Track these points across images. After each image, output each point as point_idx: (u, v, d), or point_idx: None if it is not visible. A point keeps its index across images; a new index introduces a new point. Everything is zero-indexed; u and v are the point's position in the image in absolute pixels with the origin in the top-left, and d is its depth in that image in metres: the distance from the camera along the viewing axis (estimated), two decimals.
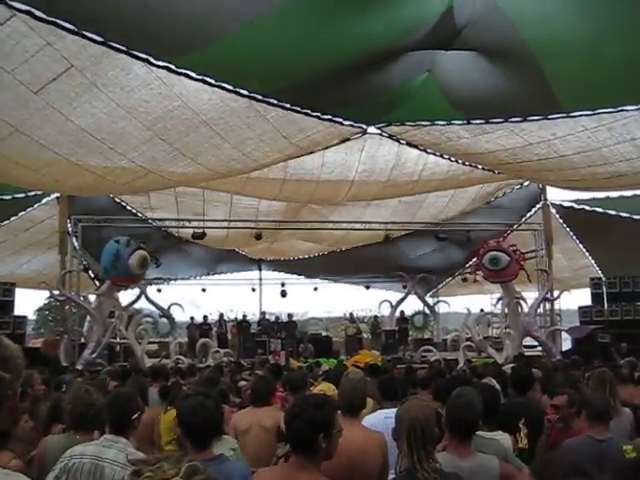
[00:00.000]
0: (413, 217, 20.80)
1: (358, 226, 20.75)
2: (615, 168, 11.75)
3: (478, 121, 11.01)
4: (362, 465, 3.90)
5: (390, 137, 13.44)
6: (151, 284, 20.85)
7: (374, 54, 9.08)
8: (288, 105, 10.23)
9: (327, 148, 13.55)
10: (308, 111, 10.70)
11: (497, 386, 6.07)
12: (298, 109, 10.48)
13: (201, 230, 18.93)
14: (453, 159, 14.54)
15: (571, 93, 9.51)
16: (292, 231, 22.09)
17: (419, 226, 21.55)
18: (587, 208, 19.84)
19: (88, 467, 3.57)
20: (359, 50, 8.88)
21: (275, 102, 10.01)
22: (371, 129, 12.95)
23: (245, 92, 9.52)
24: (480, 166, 14.98)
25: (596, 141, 10.79)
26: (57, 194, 17.65)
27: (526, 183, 20.17)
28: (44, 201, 17.94)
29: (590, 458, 4.10)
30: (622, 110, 9.66)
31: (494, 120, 10.77)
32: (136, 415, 3.87)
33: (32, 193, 17.16)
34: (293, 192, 16.51)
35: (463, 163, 14.87)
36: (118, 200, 19.69)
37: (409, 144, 13.71)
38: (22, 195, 16.99)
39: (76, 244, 17.95)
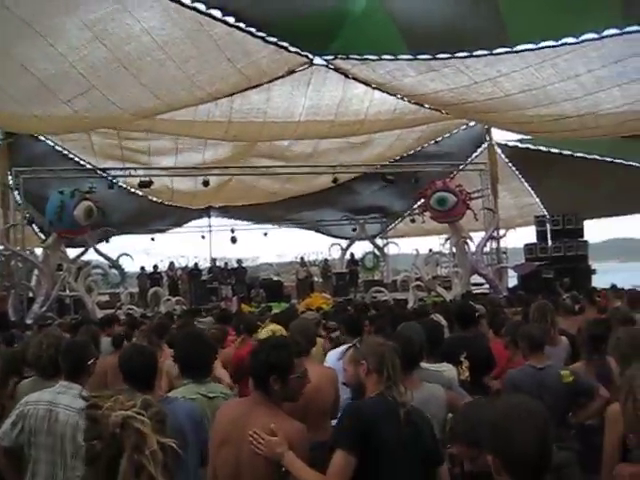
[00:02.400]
0: (360, 159, 20.84)
1: (307, 170, 20.73)
2: (560, 108, 11.91)
3: (425, 56, 10.92)
4: (315, 401, 4.03)
5: (336, 70, 13.32)
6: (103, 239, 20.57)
7: None
8: (232, 20, 9.97)
9: (273, 81, 13.33)
10: (253, 30, 10.45)
11: (443, 322, 6.26)
12: (242, 26, 10.21)
13: (147, 178, 18.63)
14: (400, 96, 14.52)
15: (519, 23, 9.51)
16: (240, 177, 21.87)
17: (366, 168, 21.60)
18: (531, 147, 20.17)
19: (43, 413, 3.64)
20: None
21: (219, 15, 9.77)
22: (317, 60, 12.81)
23: (187, 1, 9.28)
24: (427, 105, 15.03)
25: (541, 78, 10.89)
26: None
27: (472, 124, 20.32)
28: None
29: (532, 385, 4.30)
30: (564, 44, 9.74)
31: (441, 56, 10.72)
32: (91, 361, 3.93)
33: None
34: (240, 131, 16.30)
35: (409, 101, 14.88)
36: (60, 148, 19.16)
37: (356, 79, 13.63)
38: None
39: (18, 197, 17.53)
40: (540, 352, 4.54)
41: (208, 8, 9.53)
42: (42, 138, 18.41)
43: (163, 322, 7.21)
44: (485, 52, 10.32)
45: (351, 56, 12.12)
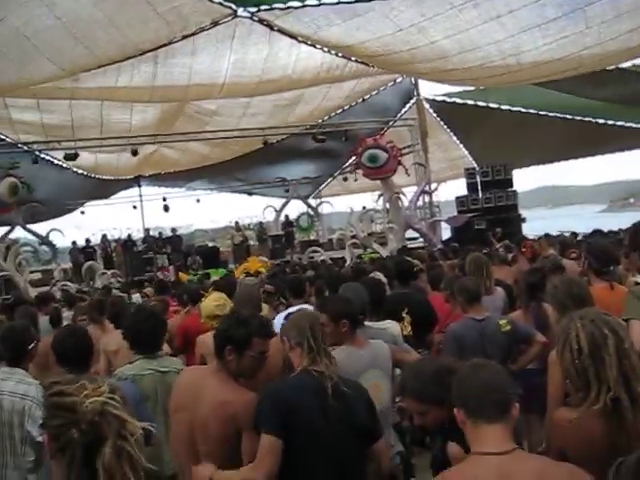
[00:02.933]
0: (290, 120, 20.73)
1: (236, 134, 20.48)
2: (485, 53, 12.01)
3: None
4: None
5: (261, 22, 13.20)
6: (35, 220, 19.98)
7: None
8: None
9: (197, 34, 13.11)
10: None
11: (383, 279, 6.35)
12: None
13: (73, 151, 18.10)
14: (326, 49, 14.45)
15: None
16: (169, 144, 21.48)
17: (296, 129, 21.50)
18: (458, 101, 20.44)
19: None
20: None
21: None
22: (241, 12, 12.66)
23: None
24: (354, 58, 15.00)
25: (464, 21, 10.93)
26: None
27: (399, 79, 20.45)
28: None
29: (473, 337, 4.44)
30: None
31: None
32: (32, 345, 3.86)
33: None
34: (165, 93, 16.01)
35: (337, 54, 14.85)
36: None
37: (281, 31, 13.50)
38: None
39: None
40: (478, 304, 4.67)
41: None
42: None
43: (103, 298, 7.10)
44: None
45: (275, 5, 11.99)
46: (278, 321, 5.17)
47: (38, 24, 11.05)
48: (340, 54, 14.78)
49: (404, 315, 5.21)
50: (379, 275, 6.40)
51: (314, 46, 14.26)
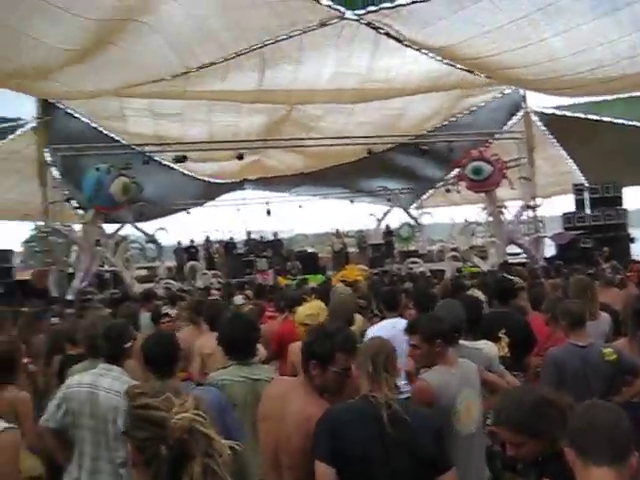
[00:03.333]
0: (394, 129, 20.65)
1: (341, 142, 20.58)
2: (598, 56, 11.48)
3: None
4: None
5: (368, 25, 13.18)
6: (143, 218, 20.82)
7: None
8: None
9: (305, 33, 13.20)
10: None
11: (482, 297, 6.21)
12: None
13: (182, 153, 18.70)
14: (431, 54, 14.30)
15: None
16: (274, 150, 21.83)
17: (401, 139, 21.39)
18: (568, 114, 19.73)
19: (85, 395, 3.74)
20: None
21: None
22: (349, 14, 12.68)
23: None
24: (459, 65, 14.78)
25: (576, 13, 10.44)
26: (33, 124, 17.34)
27: (507, 91, 20.02)
28: (19, 132, 17.59)
29: (575, 364, 4.26)
30: None
31: None
32: (129, 344, 3.99)
33: (5, 124, 16.86)
34: (271, 94, 16.30)
35: (441, 61, 14.67)
36: (94, 125, 19.33)
37: (388, 35, 13.47)
38: None
39: (56, 174, 17.74)
40: (581, 329, 4.48)
41: None
42: (77, 116, 18.59)
43: (201, 299, 7.28)
44: None
45: (382, 5, 11.94)
46: (384, 329, 5.18)
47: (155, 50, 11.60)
48: (445, 60, 14.57)
49: (501, 335, 5.07)
50: (478, 293, 6.26)
51: (419, 50, 14.13)
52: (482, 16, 11.07)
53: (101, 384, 3.75)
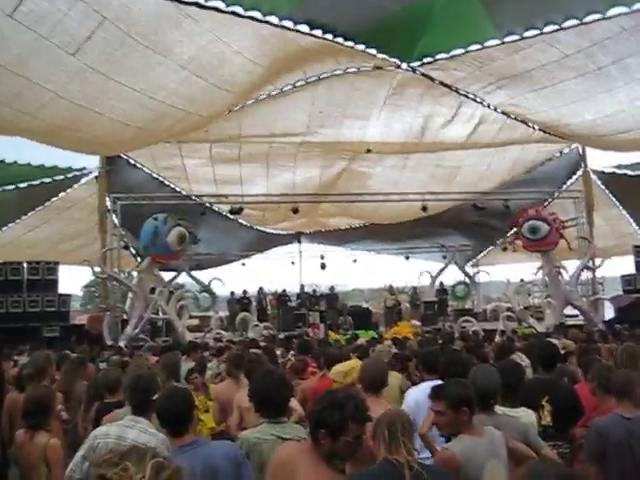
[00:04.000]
0: (451, 186, 20.56)
1: (396, 197, 20.57)
2: None
3: (512, 37, 10.71)
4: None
5: (423, 75, 13.34)
6: (198, 267, 21.14)
7: None
8: (319, 33, 10.15)
9: (359, 72, 13.41)
10: (340, 40, 10.63)
11: (526, 361, 6.02)
12: (330, 37, 10.40)
13: (238, 205, 18.99)
14: (485, 104, 14.25)
15: None
16: (329, 204, 21.95)
17: (457, 196, 21.27)
18: (629, 173, 19.36)
19: (111, 447, 3.70)
20: None
21: (307, 30, 9.97)
22: (404, 66, 12.89)
23: (275, 20, 9.50)
24: (513, 116, 14.73)
25: (635, 42, 10.30)
26: (95, 173, 17.92)
27: (566, 150, 19.82)
28: (83, 181, 18.26)
29: (620, 436, 4.07)
30: None
31: (529, 34, 10.46)
32: (156, 396, 3.96)
33: (71, 174, 17.53)
34: (330, 145, 16.70)
35: (495, 109, 14.64)
36: (156, 175, 19.87)
37: (442, 84, 13.56)
38: (61, 177, 17.39)
39: (116, 221, 18.21)
40: (628, 400, 4.28)
41: (296, 24, 9.75)
42: (139, 166, 19.14)
43: (241, 352, 7.25)
44: (576, 22, 9.97)
45: (438, 57, 12.07)
46: (410, 397, 5.05)
47: (219, 107, 12.09)
48: (500, 109, 14.55)
49: (544, 403, 4.88)
50: (522, 357, 6.07)
51: (475, 100, 14.16)
52: (537, 53, 11.08)
53: (128, 436, 3.74)
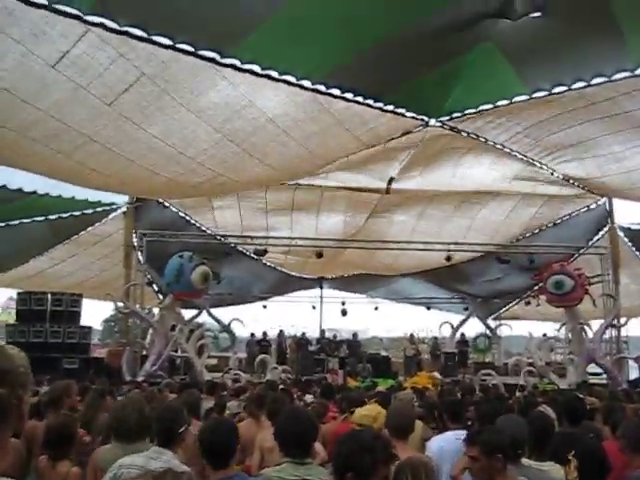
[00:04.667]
0: (470, 233, 20.57)
1: (420, 246, 20.56)
2: None
3: (541, 93, 10.83)
4: None
5: (452, 129, 13.42)
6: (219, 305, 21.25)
7: (430, 21, 8.89)
8: (350, 95, 10.23)
9: (389, 141, 13.46)
10: (370, 102, 10.69)
11: (552, 415, 5.92)
12: (360, 99, 10.47)
13: (263, 247, 19.10)
14: (514, 150, 14.38)
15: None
16: (352, 250, 21.96)
17: (482, 247, 21.22)
18: None
19: (134, 477, 3.67)
20: (412, 15, 8.64)
21: (338, 93, 10.05)
22: (432, 122, 12.92)
23: (308, 84, 9.57)
24: (545, 172, 14.75)
25: None
26: (124, 209, 18.15)
27: (592, 205, 19.76)
28: (111, 216, 18.45)
29: None
30: None
31: (557, 90, 10.58)
32: (182, 429, 3.95)
33: (100, 209, 17.77)
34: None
35: (528, 161, 14.80)
36: (183, 215, 20.07)
37: (470, 135, 13.67)
38: (90, 211, 17.64)
39: (141, 258, 18.36)
40: None
41: (328, 88, 9.84)
42: (167, 204, 19.35)
43: (263, 393, 7.21)
44: (603, 79, 10.06)
45: (466, 112, 12.21)
46: (447, 440, 4.99)
47: (249, 173, 12.42)
48: (529, 158, 14.63)
49: (570, 458, 4.79)
50: (548, 410, 5.98)
51: (502, 149, 14.28)
52: (565, 101, 11.16)
53: (152, 467, 3.71)
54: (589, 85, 10.33)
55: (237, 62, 8.64)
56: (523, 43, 9.68)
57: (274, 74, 9.09)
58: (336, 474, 3.04)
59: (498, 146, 14.08)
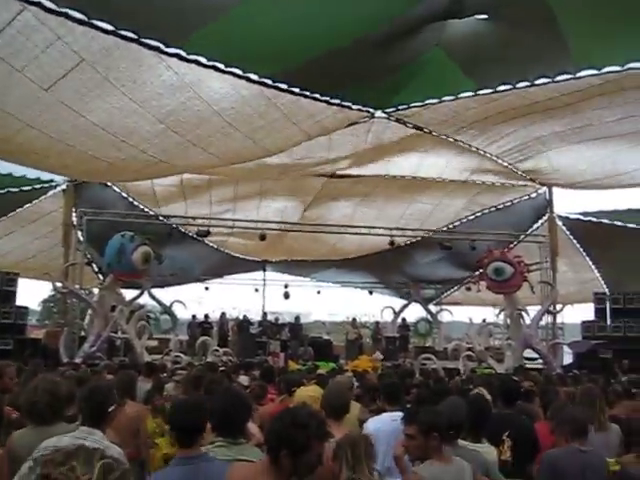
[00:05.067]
0: (414, 220, 20.77)
1: (364, 231, 20.65)
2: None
3: (486, 91, 11.02)
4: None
5: (397, 121, 13.47)
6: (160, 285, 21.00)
7: (380, 32, 8.95)
8: (297, 90, 10.19)
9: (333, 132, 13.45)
10: (317, 95, 10.66)
11: (487, 396, 6.02)
12: (307, 94, 10.43)
13: (206, 228, 18.89)
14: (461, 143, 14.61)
15: (582, 46, 9.29)
16: (297, 234, 21.93)
17: (424, 233, 21.47)
18: (594, 219, 19.74)
19: (47, 455, 3.57)
20: (364, 27, 8.71)
21: (285, 87, 9.98)
22: (378, 113, 12.94)
23: (255, 77, 9.47)
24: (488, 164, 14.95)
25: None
26: (63, 186, 17.72)
27: (533, 194, 20.14)
28: (50, 193, 18.00)
29: (575, 467, 4.09)
30: (630, 69, 9.53)
31: (502, 88, 10.77)
32: (112, 408, 3.87)
33: (39, 186, 17.29)
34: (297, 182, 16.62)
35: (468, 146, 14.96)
36: (125, 195, 19.71)
37: (416, 127, 13.73)
38: (28, 188, 17.13)
39: (81, 237, 17.97)
40: (584, 437, 4.30)
41: (275, 82, 9.78)
42: (109, 184, 18.95)
43: (200, 374, 7.14)
44: (547, 80, 10.30)
45: (412, 105, 12.28)
46: (383, 422, 5.04)
47: (192, 160, 12.28)
48: (473, 147, 14.82)
49: (504, 438, 4.88)
50: (483, 391, 6.08)
51: (446, 138, 14.43)
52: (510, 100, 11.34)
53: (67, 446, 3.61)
54: (532, 85, 10.55)
55: (182, 52, 8.48)
56: (471, 47, 9.84)
57: (220, 66, 8.96)
58: (270, 452, 2.98)
59: (442, 137, 14.19)
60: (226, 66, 8.99)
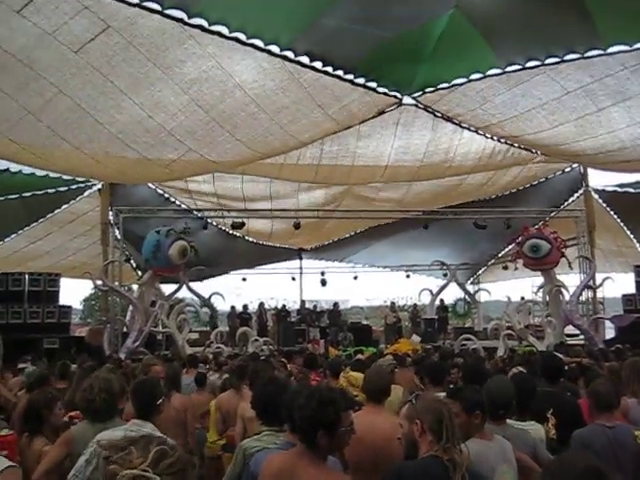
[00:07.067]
0: (449, 197, 20.58)
1: (398, 214, 20.60)
2: None
3: (514, 67, 10.54)
4: (386, 452, 3.89)
5: (425, 109, 13.29)
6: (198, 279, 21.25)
7: None
8: (319, 65, 10.06)
9: (363, 122, 13.33)
10: (340, 73, 10.49)
11: None
12: (329, 70, 10.28)
13: (240, 220, 19.03)
14: (489, 136, 14.35)
15: (611, 23, 8.97)
16: (332, 220, 21.93)
17: (457, 213, 21.31)
18: (631, 190, 19.39)
19: (114, 442, 3.66)
20: None
21: (307, 62, 9.89)
22: (406, 99, 12.73)
23: (276, 50, 9.42)
24: (516, 144, 14.74)
25: (637, 84, 10.28)
26: (99, 186, 17.99)
27: (567, 169, 19.88)
28: (86, 193, 18.29)
29: (603, 444, 4.08)
30: None
31: (530, 64, 10.34)
32: (160, 400, 3.97)
33: (75, 186, 17.55)
34: (329, 174, 16.49)
35: (499, 140, 14.68)
36: (160, 191, 19.94)
37: (444, 117, 13.56)
38: (65, 188, 17.40)
39: (118, 235, 18.25)
40: (609, 412, 4.31)
41: (296, 55, 9.70)
42: None
43: (244, 363, 7.24)
44: (576, 56, 9.89)
45: (439, 86, 11.91)
46: None
47: (220, 149, 12.16)
48: (503, 139, 14.57)
49: (549, 416, 4.88)
50: (523, 371, 6.06)
51: (477, 132, 14.21)
52: (538, 87, 11.06)
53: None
54: (562, 61, 10.21)
55: (204, 22, 8.52)
56: (492, 14, 9.58)
57: (242, 37, 8.94)
58: (307, 437, 3.07)
59: (471, 127, 14.02)
60: (247, 38, 8.97)
